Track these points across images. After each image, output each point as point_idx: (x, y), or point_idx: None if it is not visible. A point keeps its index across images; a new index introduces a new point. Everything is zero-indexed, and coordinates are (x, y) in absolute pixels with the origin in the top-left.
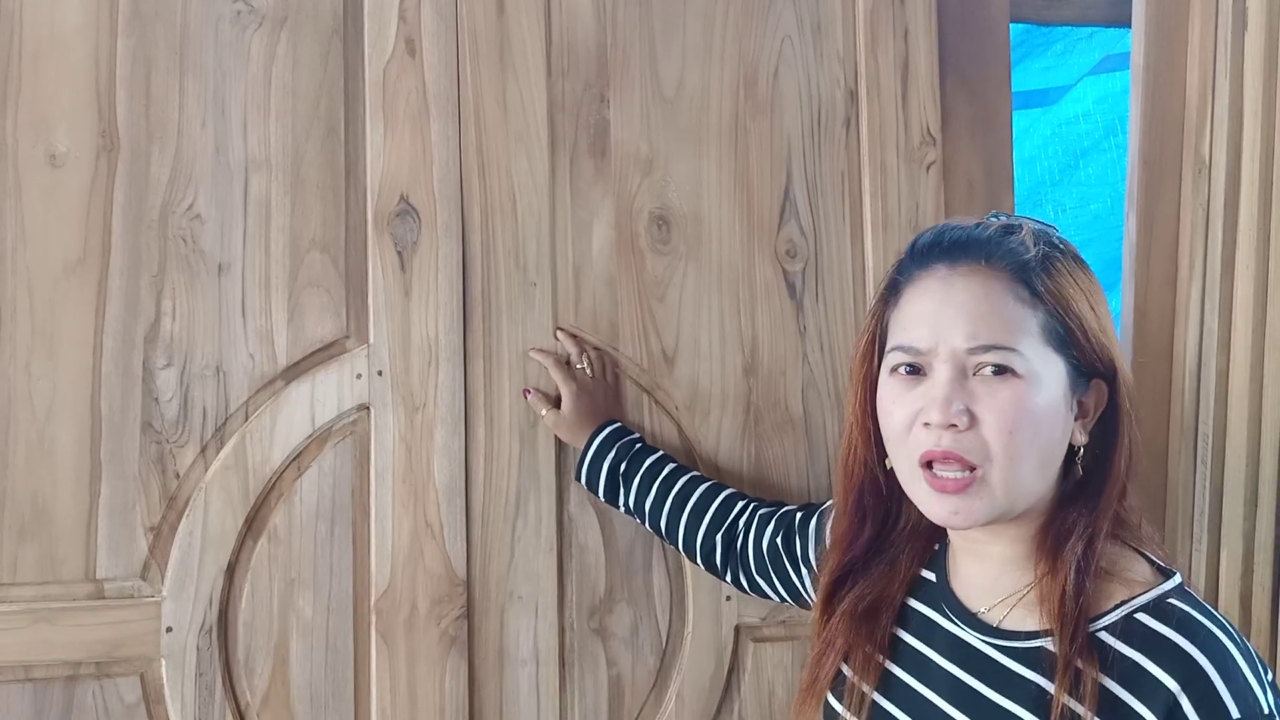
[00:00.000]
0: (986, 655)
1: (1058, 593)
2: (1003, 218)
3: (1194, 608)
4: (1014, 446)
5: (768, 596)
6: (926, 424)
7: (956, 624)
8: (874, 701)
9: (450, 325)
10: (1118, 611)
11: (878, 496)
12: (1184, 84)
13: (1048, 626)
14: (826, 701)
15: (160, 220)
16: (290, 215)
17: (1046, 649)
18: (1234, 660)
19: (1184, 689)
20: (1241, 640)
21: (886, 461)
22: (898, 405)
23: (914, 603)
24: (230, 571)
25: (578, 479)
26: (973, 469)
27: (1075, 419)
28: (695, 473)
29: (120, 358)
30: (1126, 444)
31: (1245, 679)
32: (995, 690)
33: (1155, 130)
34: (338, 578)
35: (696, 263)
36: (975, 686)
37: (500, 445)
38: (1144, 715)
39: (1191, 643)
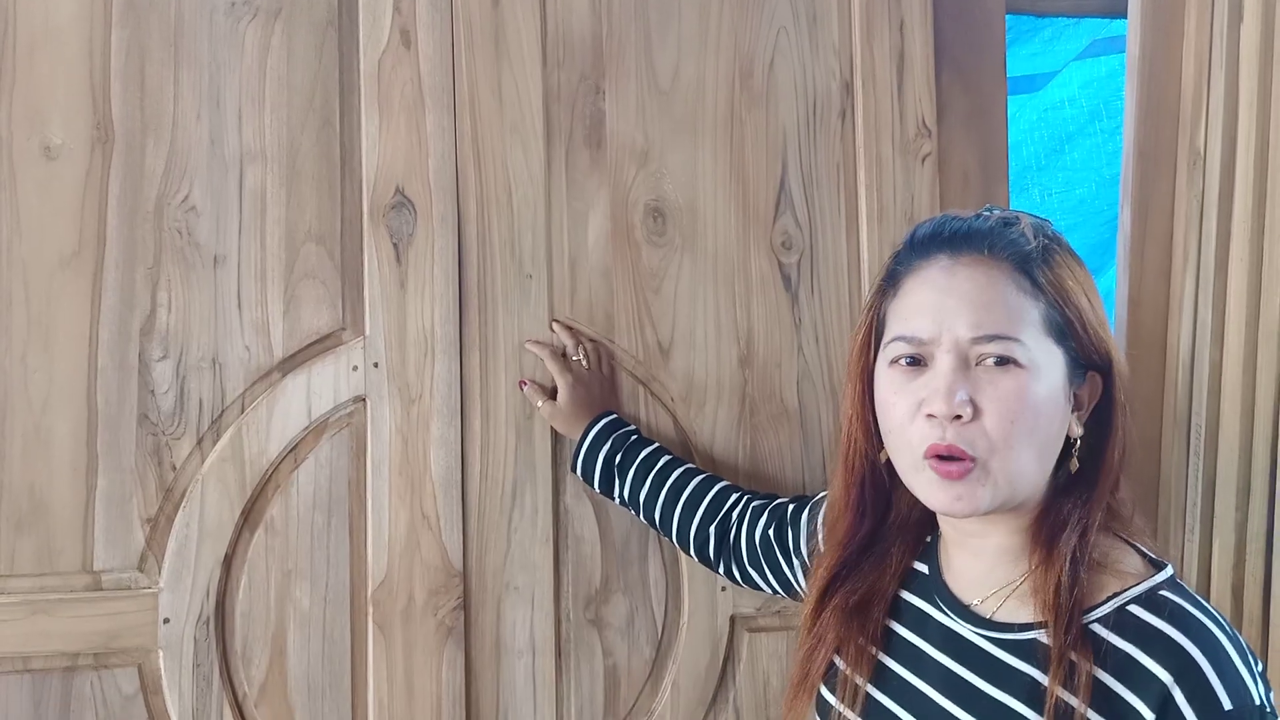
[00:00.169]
0: (980, 647)
1: (1052, 584)
2: (998, 211)
3: (1185, 600)
4: (1016, 436)
5: (759, 588)
6: (930, 415)
7: (949, 616)
8: (868, 694)
9: (446, 317)
10: (1110, 603)
11: (878, 489)
12: (1179, 75)
13: (1041, 618)
14: (819, 695)
15: (155, 212)
16: (286, 207)
17: (1040, 641)
18: (1226, 652)
19: (1177, 681)
20: (1232, 632)
21: (884, 453)
22: (899, 396)
23: (906, 595)
24: (227, 563)
25: (573, 470)
26: (974, 460)
27: (1071, 411)
28: (689, 465)
29: (116, 350)
30: (1120, 436)
31: (1237, 670)
32: (989, 682)
33: (1150, 121)
34: (335, 569)
35: (692, 254)
36: (968, 678)
37: (496, 437)
38: (1137, 707)
39: (1184, 635)
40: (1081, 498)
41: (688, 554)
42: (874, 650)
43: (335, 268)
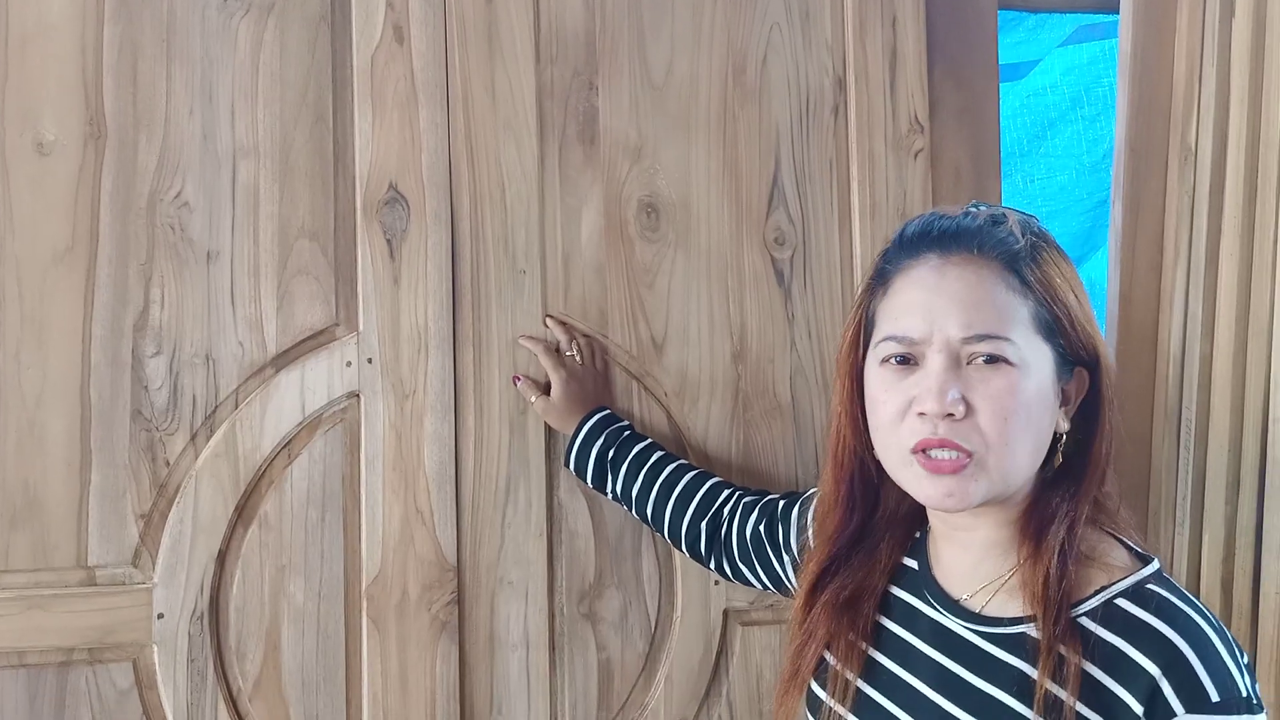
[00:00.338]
0: (969, 641)
1: (1040, 578)
2: (984, 207)
3: (1172, 593)
4: (1009, 433)
5: (750, 584)
6: (921, 414)
7: (939, 610)
8: (858, 689)
9: (440, 313)
10: (1098, 597)
11: (867, 485)
12: (1171, 71)
13: (1029, 612)
14: (810, 690)
15: (148, 208)
16: (279, 203)
17: (1029, 634)
18: (1213, 645)
19: (1164, 673)
20: (1218, 624)
21: (873, 450)
22: (889, 395)
23: (896, 590)
24: (221, 558)
25: (566, 465)
26: (969, 454)
27: (1059, 406)
28: (682, 461)
29: (109, 345)
30: (1107, 431)
31: (1224, 663)
32: (979, 676)
33: (1142, 117)
34: (329, 564)
35: (685, 250)
36: (959, 673)
37: (490, 432)
38: (1125, 699)
39: (1171, 628)
40: (1069, 492)
41: (679, 550)
42: (864, 645)
43: (328, 263)
